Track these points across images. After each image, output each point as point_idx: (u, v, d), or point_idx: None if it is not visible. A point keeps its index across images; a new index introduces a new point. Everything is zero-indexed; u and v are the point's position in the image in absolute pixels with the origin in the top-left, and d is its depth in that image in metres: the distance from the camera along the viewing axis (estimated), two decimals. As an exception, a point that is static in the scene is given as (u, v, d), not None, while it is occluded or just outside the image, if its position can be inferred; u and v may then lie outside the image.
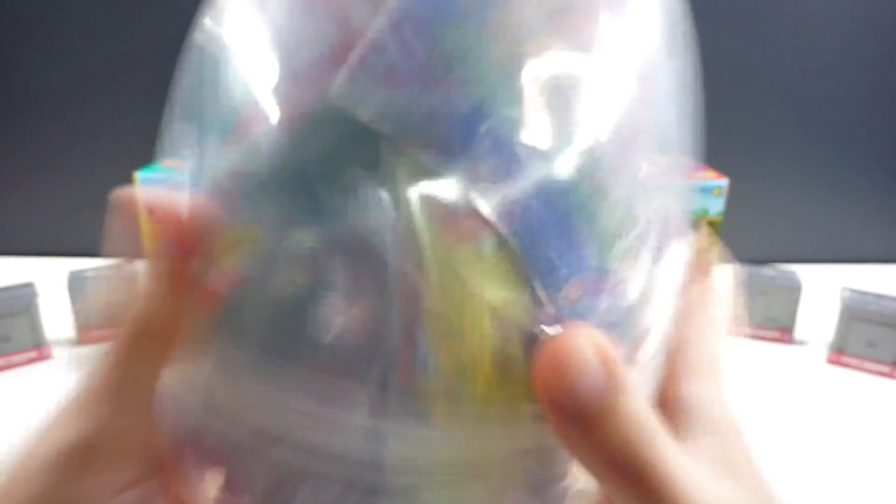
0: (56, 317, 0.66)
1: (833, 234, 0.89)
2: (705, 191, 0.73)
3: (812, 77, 0.82)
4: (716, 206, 0.74)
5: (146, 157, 0.80)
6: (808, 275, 0.71)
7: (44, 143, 0.86)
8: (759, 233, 0.88)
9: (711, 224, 0.74)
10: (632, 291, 0.17)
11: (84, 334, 0.65)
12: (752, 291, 0.65)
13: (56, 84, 0.83)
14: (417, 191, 0.15)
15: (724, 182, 0.73)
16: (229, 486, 0.19)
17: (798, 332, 0.66)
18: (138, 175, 0.72)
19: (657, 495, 0.15)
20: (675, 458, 0.15)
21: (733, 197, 0.75)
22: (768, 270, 0.67)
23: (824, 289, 0.75)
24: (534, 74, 0.17)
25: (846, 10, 0.80)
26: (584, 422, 0.14)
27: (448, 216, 0.15)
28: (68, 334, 0.66)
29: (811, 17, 0.80)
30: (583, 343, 0.14)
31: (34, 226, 0.89)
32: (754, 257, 0.83)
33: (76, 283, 0.63)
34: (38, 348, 0.61)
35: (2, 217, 0.89)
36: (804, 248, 0.89)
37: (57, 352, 0.63)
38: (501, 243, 0.15)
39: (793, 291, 0.64)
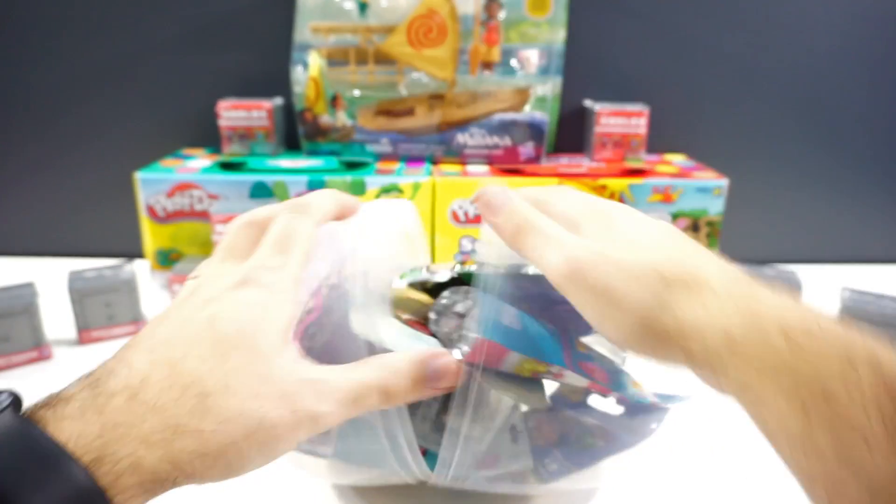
0: (56, 317, 0.66)
1: (833, 234, 0.89)
2: (705, 191, 0.73)
3: (812, 77, 0.82)
4: (716, 206, 0.74)
5: (146, 157, 0.80)
6: (808, 275, 0.71)
7: (44, 143, 0.85)
8: (759, 233, 0.88)
9: (711, 224, 0.75)
10: None
11: (84, 334, 0.65)
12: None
13: (56, 84, 0.83)
14: None
15: (724, 182, 0.73)
16: None
17: (798, 332, 0.66)
18: (138, 175, 0.73)
19: (533, 233, 0.29)
20: (542, 217, 0.30)
21: (733, 197, 0.76)
22: (768, 270, 0.67)
23: (824, 289, 0.75)
24: None
25: (846, 10, 0.80)
26: (494, 207, 0.31)
27: None
28: (68, 334, 0.66)
29: (811, 17, 0.80)
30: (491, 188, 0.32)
31: (34, 226, 0.89)
32: (754, 257, 0.83)
33: (76, 283, 0.63)
34: (38, 348, 0.61)
35: (2, 217, 0.89)
36: (804, 248, 0.89)
37: (57, 352, 0.63)
38: None
39: (793, 291, 0.64)
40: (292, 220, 0.30)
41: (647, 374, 0.35)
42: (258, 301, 0.27)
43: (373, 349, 0.31)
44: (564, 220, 0.30)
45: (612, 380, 0.34)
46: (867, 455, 0.20)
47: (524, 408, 0.37)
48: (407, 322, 0.36)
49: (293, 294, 0.28)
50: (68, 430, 0.22)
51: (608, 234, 0.28)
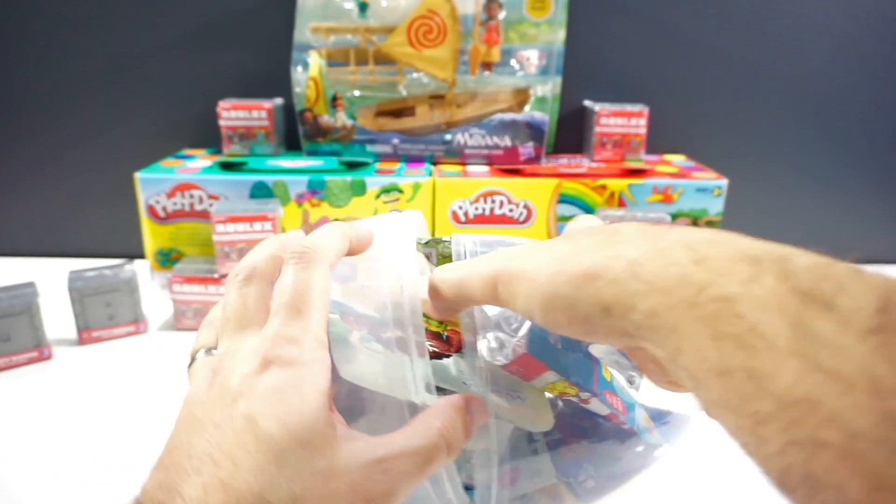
0: (56, 317, 0.66)
1: (833, 234, 0.89)
2: (705, 191, 0.73)
3: (812, 77, 0.83)
4: (716, 207, 0.74)
5: (146, 157, 0.80)
6: (808, 275, 0.71)
7: (44, 143, 0.86)
8: (758, 233, 0.87)
9: (711, 224, 0.75)
10: None
11: (84, 334, 0.65)
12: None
13: (56, 84, 0.83)
14: None
15: (723, 182, 0.73)
16: None
17: (798, 332, 0.66)
18: (138, 175, 0.73)
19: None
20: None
21: (733, 197, 0.76)
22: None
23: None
24: None
25: (846, 10, 0.80)
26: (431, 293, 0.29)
27: None
28: (69, 334, 0.66)
29: (811, 17, 0.80)
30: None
31: (34, 226, 0.89)
32: (754, 257, 0.83)
33: (76, 283, 0.63)
34: (38, 348, 0.61)
35: (2, 217, 0.89)
36: (804, 248, 0.89)
37: (57, 352, 0.63)
38: None
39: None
40: (301, 272, 0.26)
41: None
42: (289, 384, 0.24)
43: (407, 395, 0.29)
44: None
45: (628, 412, 0.34)
46: (772, 366, 0.17)
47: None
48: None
49: (322, 361, 0.25)
50: None
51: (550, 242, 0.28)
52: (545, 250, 0.25)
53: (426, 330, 0.33)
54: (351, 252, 0.30)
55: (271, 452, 0.22)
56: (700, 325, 0.19)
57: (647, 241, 0.23)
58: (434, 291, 0.29)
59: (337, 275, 0.30)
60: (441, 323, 0.34)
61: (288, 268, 0.26)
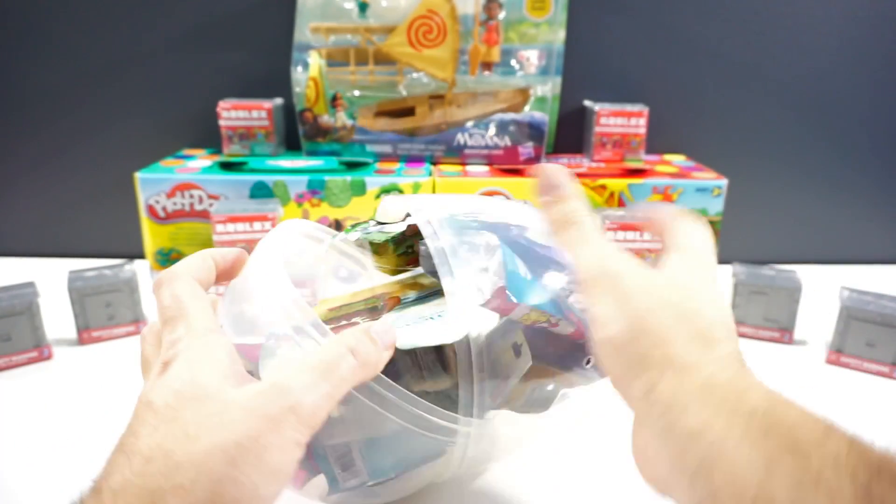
0: (56, 317, 0.66)
1: (832, 234, 0.89)
2: (704, 191, 0.73)
3: (812, 77, 0.83)
4: (715, 207, 0.74)
5: (146, 157, 0.80)
6: (808, 275, 0.71)
7: (44, 143, 0.86)
8: (758, 233, 0.88)
9: (711, 224, 0.75)
10: None
11: (84, 334, 0.65)
12: (752, 291, 0.65)
13: (56, 84, 0.83)
14: None
15: (723, 182, 0.74)
16: None
17: (797, 333, 0.66)
18: (138, 175, 0.73)
19: (577, 227, 0.31)
20: (589, 217, 0.31)
21: (733, 197, 0.76)
22: (768, 270, 0.67)
23: (824, 289, 0.75)
24: None
25: (846, 10, 0.80)
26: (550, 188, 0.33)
27: None
28: (69, 334, 0.66)
29: (811, 17, 0.80)
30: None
31: (34, 226, 0.89)
32: (754, 257, 0.83)
33: (76, 283, 0.63)
34: (38, 348, 0.61)
35: (2, 217, 0.89)
36: (804, 248, 0.89)
37: (57, 352, 0.63)
38: None
39: (792, 291, 0.64)
40: (165, 292, 0.31)
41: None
42: (183, 368, 0.27)
43: None
44: None
45: (587, 332, 0.35)
46: None
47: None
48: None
49: (209, 341, 0.28)
50: None
51: (671, 273, 0.30)
52: (662, 300, 0.28)
53: (356, 311, 0.38)
54: (224, 275, 0.35)
55: (167, 415, 0.25)
56: (754, 451, 0.22)
57: (736, 368, 0.26)
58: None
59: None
60: (369, 298, 0.40)
61: (158, 300, 0.32)
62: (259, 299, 0.33)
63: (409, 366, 0.36)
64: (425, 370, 0.36)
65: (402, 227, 0.40)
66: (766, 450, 0.21)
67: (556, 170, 0.33)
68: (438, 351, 0.37)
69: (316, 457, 0.34)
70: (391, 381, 0.31)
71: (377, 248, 0.40)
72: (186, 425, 0.25)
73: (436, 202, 0.38)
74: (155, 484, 0.23)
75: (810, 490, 0.20)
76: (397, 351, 0.33)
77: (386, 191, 0.73)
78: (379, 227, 0.40)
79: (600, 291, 0.28)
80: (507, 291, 0.32)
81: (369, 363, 0.29)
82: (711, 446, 0.22)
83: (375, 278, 0.44)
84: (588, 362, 0.36)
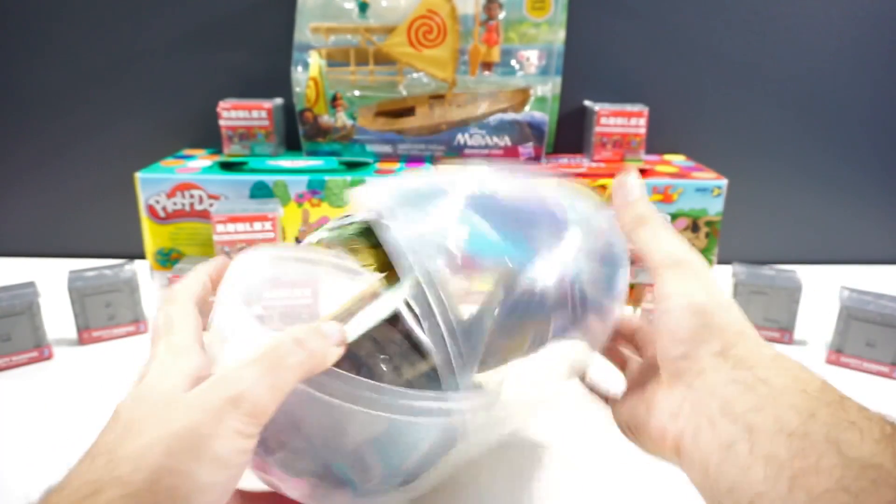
0: (56, 317, 0.66)
1: (832, 234, 0.89)
2: (704, 191, 0.73)
3: (812, 77, 0.83)
4: (715, 207, 0.74)
5: (147, 157, 0.80)
6: (808, 275, 0.71)
7: (44, 143, 0.86)
8: (758, 233, 0.88)
9: (710, 224, 0.75)
10: None
11: (84, 334, 0.65)
12: (752, 291, 0.65)
13: (56, 84, 0.83)
14: None
15: (723, 182, 0.74)
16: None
17: (797, 333, 0.66)
18: (138, 175, 0.73)
19: (651, 226, 0.35)
20: (660, 217, 0.35)
21: (733, 197, 0.76)
22: (768, 270, 0.67)
23: (824, 289, 0.75)
24: None
25: (845, 10, 0.80)
26: (628, 194, 0.36)
27: None
28: (69, 334, 0.66)
29: (811, 17, 0.80)
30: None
31: (34, 226, 0.89)
32: (754, 257, 0.83)
33: (76, 283, 0.63)
34: (38, 348, 0.61)
35: (2, 217, 0.89)
36: (804, 248, 0.89)
37: (58, 352, 0.63)
38: None
39: (792, 291, 0.64)
40: (160, 313, 0.34)
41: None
42: (153, 377, 0.29)
43: None
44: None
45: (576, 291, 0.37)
46: (858, 443, 0.23)
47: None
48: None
49: (188, 354, 0.31)
50: None
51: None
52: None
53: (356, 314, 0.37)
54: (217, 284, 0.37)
55: (124, 417, 0.27)
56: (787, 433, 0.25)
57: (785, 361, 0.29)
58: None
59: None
60: (365, 297, 0.39)
61: (157, 313, 0.34)
62: (225, 337, 0.35)
63: (386, 363, 0.37)
64: (402, 362, 0.36)
65: (355, 220, 0.39)
66: (811, 400, 0.25)
67: (635, 181, 0.37)
68: (410, 339, 0.36)
69: (332, 469, 0.34)
70: (367, 379, 0.31)
71: (350, 249, 0.40)
72: (132, 423, 0.27)
73: (393, 184, 0.38)
74: (96, 476, 0.24)
75: (846, 428, 0.24)
76: (367, 354, 0.33)
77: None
78: (336, 224, 0.40)
79: (680, 273, 0.32)
80: (471, 253, 0.33)
81: (316, 355, 0.30)
82: (768, 393, 0.26)
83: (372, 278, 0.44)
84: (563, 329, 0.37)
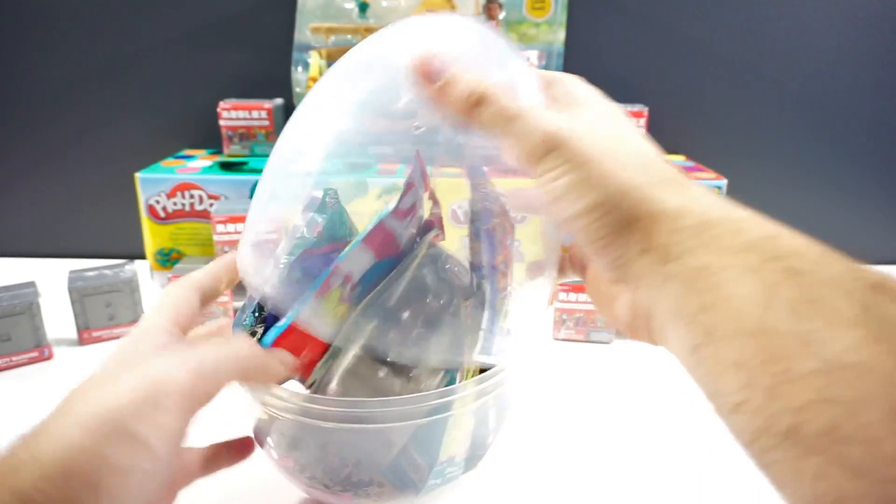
0: (57, 317, 0.66)
1: (833, 234, 0.89)
2: (705, 191, 0.73)
3: (812, 77, 0.83)
4: (715, 207, 0.74)
5: (147, 157, 0.80)
6: (808, 275, 0.71)
7: (44, 143, 0.86)
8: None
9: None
10: None
11: (84, 334, 0.65)
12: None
13: (57, 84, 0.83)
14: None
15: (723, 182, 0.74)
16: None
17: (797, 332, 0.66)
18: (139, 175, 0.73)
19: (495, 103, 0.28)
20: (501, 86, 0.29)
21: (733, 197, 0.75)
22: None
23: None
24: None
25: (845, 10, 0.80)
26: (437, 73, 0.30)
27: None
28: (69, 334, 0.66)
29: (811, 16, 0.80)
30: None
31: (34, 226, 0.89)
32: (754, 257, 0.83)
33: (76, 283, 0.63)
34: (38, 348, 0.61)
35: (2, 217, 0.89)
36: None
37: (58, 352, 0.63)
38: None
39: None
40: (160, 293, 0.34)
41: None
42: (109, 359, 0.30)
43: None
44: (564, 101, 0.30)
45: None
46: (828, 334, 0.19)
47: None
48: None
49: (152, 335, 0.31)
50: None
51: (598, 120, 0.29)
52: (628, 154, 0.29)
53: None
54: (212, 293, 0.36)
55: (64, 400, 0.27)
56: (754, 281, 0.21)
57: (721, 203, 0.26)
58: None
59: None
60: None
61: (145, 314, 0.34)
62: None
63: (384, 380, 0.37)
64: (389, 371, 0.36)
65: (249, 310, 0.38)
66: (764, 280, 0.21)
67: (430, 55, 0.29)
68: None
69: (388, 477, 0.36)
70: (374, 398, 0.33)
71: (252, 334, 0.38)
72: (66, 403, 0.26)
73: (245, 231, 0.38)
74: (18, 457, 0.24)
75: (808, 312, 0.19)
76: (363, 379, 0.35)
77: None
78: (240, 314, 0.39)
79: (556, 165, 0.26)
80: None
81: (255, 367, 0.31)
82: (712, 284, 0.22)
83: None
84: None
